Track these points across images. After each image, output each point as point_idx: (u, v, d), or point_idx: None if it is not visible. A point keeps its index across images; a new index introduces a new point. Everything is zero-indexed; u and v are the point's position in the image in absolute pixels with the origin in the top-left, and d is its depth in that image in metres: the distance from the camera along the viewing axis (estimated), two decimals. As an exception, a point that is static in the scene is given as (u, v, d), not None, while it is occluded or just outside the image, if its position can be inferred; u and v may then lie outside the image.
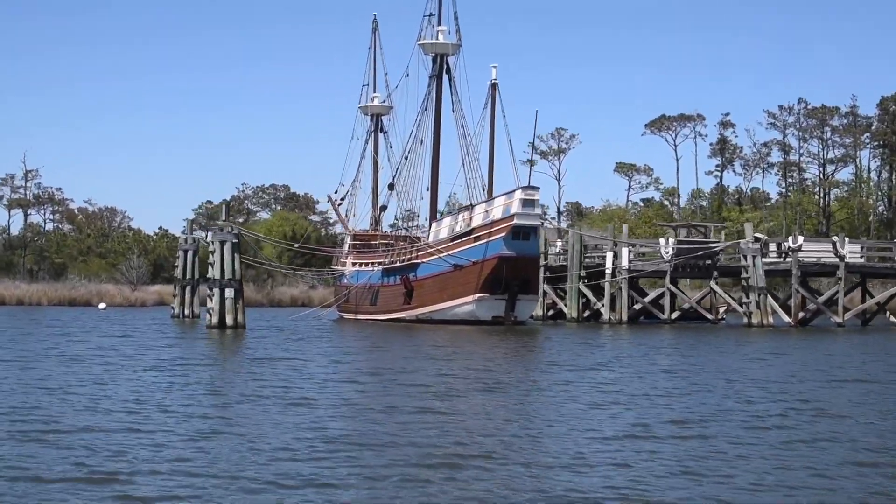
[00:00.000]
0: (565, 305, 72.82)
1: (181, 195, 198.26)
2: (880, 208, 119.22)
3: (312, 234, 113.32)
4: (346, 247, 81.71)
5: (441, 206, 78.88)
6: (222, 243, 55.46)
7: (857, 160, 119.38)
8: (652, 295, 72.69)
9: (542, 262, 70.18)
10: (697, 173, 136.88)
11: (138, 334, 50.34)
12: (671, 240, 70.59)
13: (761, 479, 15.18)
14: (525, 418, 21.17)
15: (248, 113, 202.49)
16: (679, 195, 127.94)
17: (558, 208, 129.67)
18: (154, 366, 32.50)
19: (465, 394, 25.52)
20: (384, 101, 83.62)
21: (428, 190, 74.32)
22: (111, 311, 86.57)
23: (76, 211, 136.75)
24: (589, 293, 71.24)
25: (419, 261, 68.49)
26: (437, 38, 72.85)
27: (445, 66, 73.69)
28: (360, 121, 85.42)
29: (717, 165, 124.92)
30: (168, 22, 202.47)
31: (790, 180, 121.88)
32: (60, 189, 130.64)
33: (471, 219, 66.17)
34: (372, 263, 74.58)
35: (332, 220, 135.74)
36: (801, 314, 67.63)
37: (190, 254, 67.36)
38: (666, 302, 69.62)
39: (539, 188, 66.83)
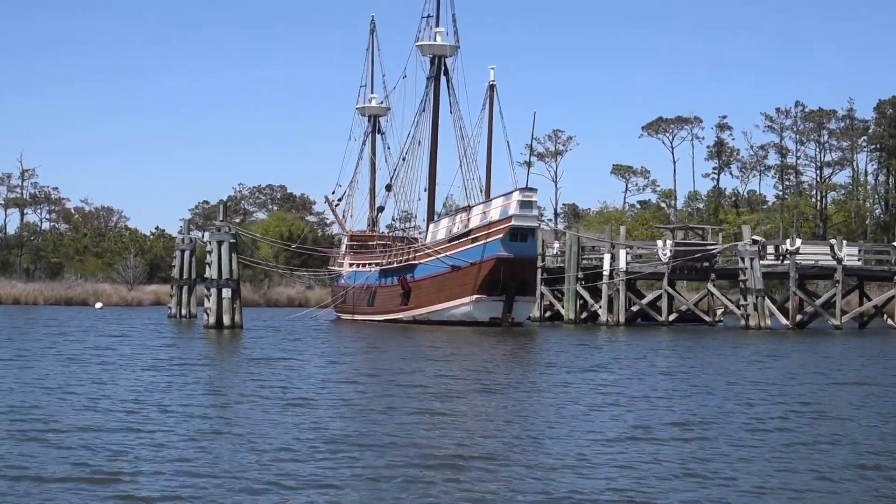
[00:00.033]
0: (562, 307, 72.75)
1: (178, 195, 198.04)
2: (877, 211, 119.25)
3: (309, 234, 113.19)
4: (343, 247, 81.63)
5: (437, 207, 78.72)
6: (220, 243, 55.38)
7: (854, 163, 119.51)
8: (650, 297, 72.61)
9: (539, 263, 70.11)
10: (694, 176, 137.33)
11: (135, 334, 50.24)
12: (669, 242, 70.53)
13: (765, 481, 15.14)
14: (526, 420, 21.13)
15: (245, 113, 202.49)
16: (676, 197, 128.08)
17: (555, 210, 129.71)
18: (152, 366, 32.42)
19: (464, 395, 25.47)
20: (382, 103, 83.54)
21: (425, 191, 74.32)
22: (107, 310, 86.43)
23: (72, 210, 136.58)
24: (586, 295, 71.17)
25: (416, 262, 68.42)
26: (434, 40, 72.77)
27: (443, 68, 73.61)
28: (357, 122, 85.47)
29: (714, 168, 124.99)
30: (166, 22, 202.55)
31: (787, 183, 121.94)
32: (57, 188, 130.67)
33: (468, 220, 66.09)
34: (369, 264, 74.52)
35: (328, 221, 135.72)
36: (798, 317, 67.61)
37: (187, 254, 67.29)
38: (663, 304, 69.56)
39: (537, 190, 66.89)
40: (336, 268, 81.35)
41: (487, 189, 73.69)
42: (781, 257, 68.08)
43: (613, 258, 69.72)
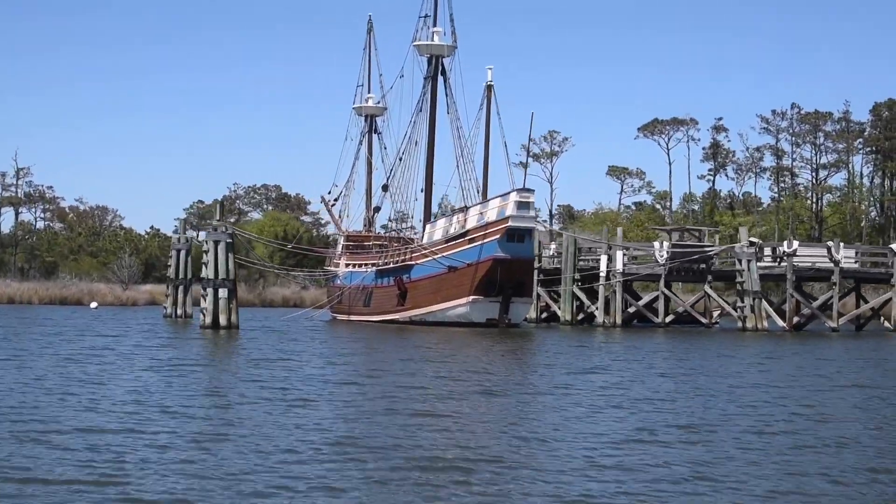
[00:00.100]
0: (559, 308, 72.65)
1: (172, 194, 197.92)
2: (872, 214, 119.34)
3: (304, 234, 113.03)
4: (339, 248, 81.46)
5: (434, 208, 78.62)
6: (216, 243, 55.21)
7: (850, 165, 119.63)
8: (646, 298, 72.54)
9: (536, 264, 69.97)
10: (690, 177, 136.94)
11: (132, 334, 50.06)
12: (665, 243, 70.42)
13: (777, 485, 15.01)
14: (530, 422, 20.99)
15: (240, 113, 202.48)
16: (671, 199, 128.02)
17: (550, 211, 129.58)
18: (151, 366, 32.25)
19: (465, 396, 25.34)
20: (378, 102, 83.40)
21: (422, 191, 74.20)
22: (103, 310, 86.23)
23: (67, 209, 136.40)
24: (583, 296, 71.08)
25: (413, 262, 68.28)
26: (432, 40, 72.66)
27: (440, 68, 73.49)
28: (354, 121, 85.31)
29: (710, 170, 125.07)
30: (161, 23, 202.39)
31: (782, 185, 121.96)
32: (52, 187, 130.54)
33: (465, 220, 65.98)
34: (365, 264, 74.36)
35: (323, 221, 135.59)
36: (795, 319, 67.55)
37: (183, 253, 67.04)
38: (660, 305, 69.44)
39: (534, 190, 66.75)
40: (332, 268, 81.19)
41: (484, 190, 73.66)
42: (778, 259, 68.04)
43: (610, 259, 69.60)
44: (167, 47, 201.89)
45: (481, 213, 65.02)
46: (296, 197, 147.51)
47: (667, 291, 69.67)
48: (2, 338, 45.05)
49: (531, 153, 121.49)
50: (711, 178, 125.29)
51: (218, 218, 58.79)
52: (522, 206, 62.97)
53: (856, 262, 69.67)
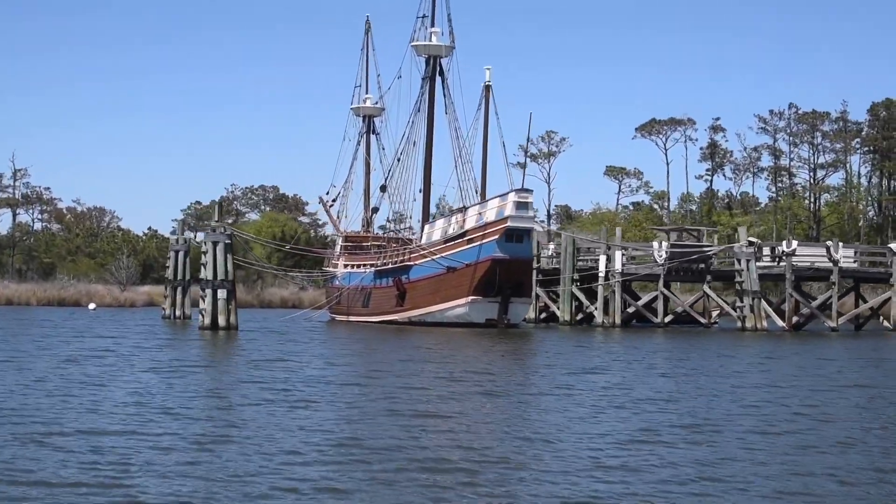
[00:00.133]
0: (558, 308, 72.58)
1: (170, 195, 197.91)
2: (870, 213, 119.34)
3: (302, 235, 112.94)
4: (337, 248, 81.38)
5: (432, 208, 78.57)
6: (215, 244, 55.12)
7: (848, 165, 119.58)
8: (645, 298, 72.49)
9: (534, 264, 69.88)
10: (688, 177, 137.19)
11: (131, 335, 49.95)
12: (664, 243, 70.34)
13: (784, 485, 14.95)
14: (534, 422, 20.92)
15: (238, 113, 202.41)
16: (669, 199, 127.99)
17: (548, 211, 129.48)
18: (151, 367, 32.16)
19: (467, 397, 25.28)
20: (377, 103, 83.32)
21: (420, 192, 74.21)
22: (101, 311, 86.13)
23: (65, 210, 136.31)
24: (582, 296, 71.00)
25: (412, 263, 68.20)
26: (430, 40, 72.65)
27: (438, 68, 73.50)
28: (352, 122, 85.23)
29: (708, 170, 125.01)
30: (160, 23, 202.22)
31: (780, 185, 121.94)
32: (49, 188, 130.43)
33: (464, 221, 65.93)
34: (364, 265, 74.28)
35: (321, 222, 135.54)
36: (794, 318, 67.50)
37: (181, 254, 66.88)
38: (659, 305, 69.38)
39: (533, 191, 66.71)
40: (331, 269, 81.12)
41: (483, 190, 73.61)
42: (777, 259, 68.00)
43: (609, 260, 69.52)
44: (165, 48, 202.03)
45: (480, 214, 64.97)
46: (293, 198, 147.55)
47: (666, 291, 69.61)
48: (1, 339, 44.92)
49: (529, 153, 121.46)
50: (709, 178, 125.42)
51: (216, 219, 58.70)
52: (521, 206, 62.92)
53: (855, 261, 69.67)
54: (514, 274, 62.94)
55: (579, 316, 71.76)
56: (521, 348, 46.07)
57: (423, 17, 72.70)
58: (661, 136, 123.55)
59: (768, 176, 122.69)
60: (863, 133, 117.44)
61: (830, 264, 66.36)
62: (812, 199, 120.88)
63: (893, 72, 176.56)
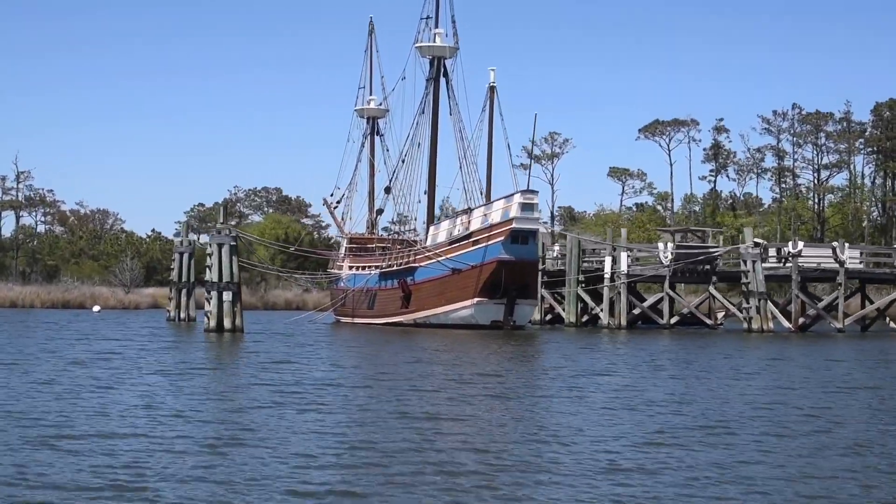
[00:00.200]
0: (563, 310, 72.39)
1: (173, 198, 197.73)
2: (874, 214, 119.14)
3: (306, 237, 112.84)
4: (342, 250, 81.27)
5: (435, 210, 78.41)
6: (220, 246, 54.98)
7: (851, 166, 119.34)
8: (651, 300, 72.29)
9: (539, 266, 69.68)
10: (691, 178, 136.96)
11: (137, 338, 49.81)
12: (670, 244, 70.15)
13: (806, 489, 14.74)
14: (548, 425, 20.75)
15: (241, 115, 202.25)
16: (672, 200, 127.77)
17: (551, 213, 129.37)
18: (159, 370, 32.05)
19: (478, 400, 25.16)
20: (381, 104, 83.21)
21: (425, 193, 74.04)
22: (105, 313, 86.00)
23: (68, 213, 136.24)
24: (587, 298, 70.81)
25: (417, 264, 68.05)
26: (434, 41, 72.51)
27: (443, 69, 73.34)
28: (356, 124, 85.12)
29: (711, 171, 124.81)
30: (162, 25, 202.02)
31: (784, 186, 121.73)
32: (52, 191, 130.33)
33: (469, 222, 65.78)
34: (369, 267, 74.14)
35: (324, 224, 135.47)
36: (801, 319, 67.28)
37: (186, 256, 66.74)
38: (665, 307, 69.21)
39: (538, 192, 66.61)
40: (335, 270, 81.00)
41: (488, 191, 73.44)
42: (784, 260, 67.82)
43: (615, 261, 69.35)
44: (168, 50, 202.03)
45: (485, 215, 64.83)
46: (296, 199, 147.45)
47: (671, 293, 69.44)
48: (7, 342, 44.81)
49: (532, 155, 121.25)
50: (713, 178, 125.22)
51: (222, 220, 58.55)
52: (526, 207, 62.80)
53: (861, 262, 69.49)
54: (519, 275, 62.78)
55: (584, 317, 71.58)
56: (527, 350, 45.93)
57: (427, 18, 72.66)
58: (664, 137, 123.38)
59: (772, 177, 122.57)
60: (866, 133, 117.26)
61: (836, 265, 66.17)
62: (816, 200, 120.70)
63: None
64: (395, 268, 70.13)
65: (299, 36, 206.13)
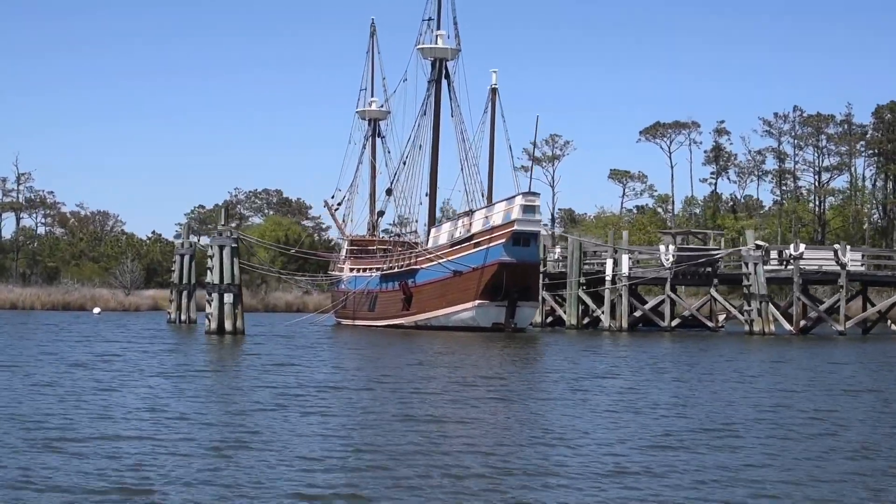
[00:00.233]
0: (564, 312, 72.29)
1: (173, 199, 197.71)
2: (875, 216, 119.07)
3: (307, 239, 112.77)
4: (343, 252, 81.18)
5: (437, 212, 78.34)
6: (221, 248, 54.86)
7: (852, 168, 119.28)
8: (652, 302, 72.19)
9: (541, 268, 69.55)
10: (692, 180, 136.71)
11: (138, 340, 49.75)
12: (671, 247, 70.06)
13: (815, 493, 14.67)
14: (553, 427, 20.66)
15: (241, 117, 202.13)
16: (673, 202, 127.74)
17: (552, 215, 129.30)
18: (161, 372, 31.98)
19: (483, 402, 25.09)
20: (382, 106, 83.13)
21: (426, 195, 73.97)
22: (106, 315, 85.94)
23: (68, 214, 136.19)
24: (588, 300, 70.71)
25: (418, 267, 67.97)
26: (435, 43, 72.43)
27: (444, 71, 73.28)
28: (357, 125, 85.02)
29: (712, 173, 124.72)
30: (163, 25, 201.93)
31: (785, 188, 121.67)
32: (52, 192, 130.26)
33: (471, 224, 65.70)
34: (370, 269, 74.05)
35: (324, 226, 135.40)
36: (802, 322, 67.20)
37: (187, 258, 66.67)
38: (666, 309, 69.13)
39: (539, 194, 66.39)
40: (336, 272, 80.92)
41: (489, 193, 73.33)
42: (785, 262, 67.78)
43: (616, 263, 69.25)
44: (169, 51, 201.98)
45: (487, 217, 64.75)
46: (296, 201, 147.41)
47: (673, 295, 69.36)
48: (8, 344, 44.73)
49: (533, 157, 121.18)
50: (713, 181, 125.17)
51: (223, 222, 58.43)
52: (528, 209, 62.71)
53: (862, 265, 69.44)
54: (521, 278, 62.68)
55: (585, 320, 71.48)
56: (529, 353, 45.85)
57: (429, 19, 72.58)
58: (665, 139, 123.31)
59: (773, 179, 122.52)
60: (867, 136, 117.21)
61: (838, 268, 66.10)
62: (817, 203, 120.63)
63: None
64: (396, 270, 70.05)
65: (300, 37, 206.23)
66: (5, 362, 34.57)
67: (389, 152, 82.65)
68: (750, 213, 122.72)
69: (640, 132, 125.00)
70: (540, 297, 69.95)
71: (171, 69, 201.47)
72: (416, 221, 78.20)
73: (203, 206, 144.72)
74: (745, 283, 65.12)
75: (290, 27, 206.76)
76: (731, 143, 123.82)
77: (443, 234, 68.65)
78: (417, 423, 20.90)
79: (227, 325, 53.84)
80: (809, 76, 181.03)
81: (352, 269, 77.00)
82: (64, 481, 14.85)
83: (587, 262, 72.05)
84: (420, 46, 72.82)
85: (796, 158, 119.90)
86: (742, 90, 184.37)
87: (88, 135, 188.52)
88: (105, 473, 15.42)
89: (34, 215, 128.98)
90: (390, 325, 68.62)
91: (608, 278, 69.13)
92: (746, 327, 64.85)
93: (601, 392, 27.81)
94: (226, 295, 54.28)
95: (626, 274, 68.50)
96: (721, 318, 72.86)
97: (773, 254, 69.59)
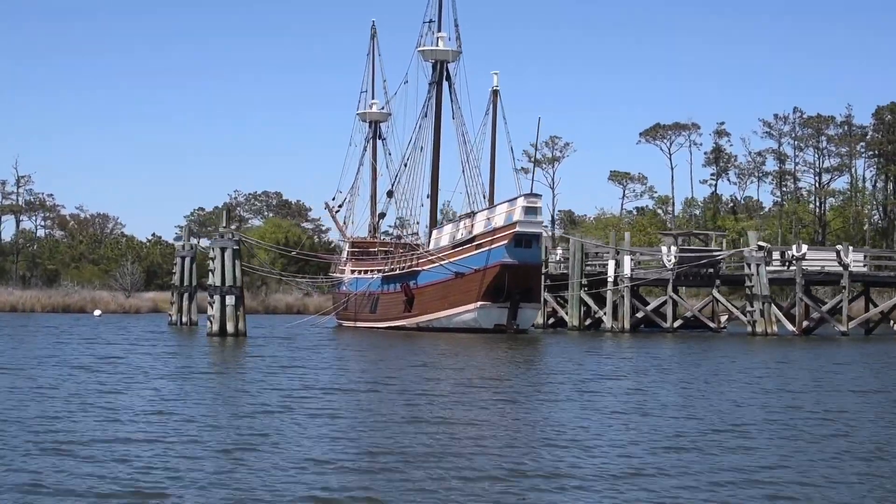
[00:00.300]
0: (566, 314, 72.22)
1: (173, 202, 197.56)
2: (875, 217, 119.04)
3: (307, 241, 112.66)
4: (344, 254, 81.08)
5: (438, 214, 78.18)
6: (223, 250, 54.73)
7: (853, 169, 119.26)
8: (654, 303, 72.11)
9: (543, 269, 69.42)
10: (692, 182, 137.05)
11: (140, 342, 49.61)
12: (673, 248, 69.99)
13: (833, 495, 14.54)
14: (564, 429, 20.53)
15: (241, 119, 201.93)
16: (673, 204, 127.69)
17: (552, 216, 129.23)
18: (165, 374, 31.86)
19: (490, 404, 24.96)
20: (383, 108, 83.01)
21: (428, 197, 73.84)
22: (106, 317, 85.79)
23: (68, 217, 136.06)
24: (590, 301, 70.63)
25: (419, 268, 67.86)
26: (436, 45, 72.33)
27: (445, 73, 73.17)
28: (358, 127, 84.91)
29: (712, 174, 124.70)
30: (164, 29, 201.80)
31: (785, 189, 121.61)
32: (52, 195, 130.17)
33: (472, 226, 65.60)
34: (371, 271, 73.94)
35: (324, 228, 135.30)
36: (805, 323, 67.14)
37: (188, 260, 66.55)
38: (668, 310, 69.05)
39: (541, 195, 66.23)
40: (337, 274, 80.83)
41: (491, 195, 73.16)
42: (787, 263, 67.73)
43: (618, 264, 69.16)
44: (169, 54, 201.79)
45: (488, 219, 64.65)
46: (296, 204, 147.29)
47: (675, 296, 69.29)
48: (10, 347, 44.60)
49: (534, 159, 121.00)
50: (714, 182, 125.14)
51: (224, 224, 58.31)
52: (530, 211, 62.60)
53: (864, 265, 69.40)
54: (522, 279, 62.59)
55: (588, 321, 71.43)
56: (532, 354, 45.73)
57: (430, 21, 72.46)
58: (665, 140, 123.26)
59: (773, 180, 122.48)
60: (868, 137, 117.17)
61: (840, 268, 66.06)
62: (817, 204, 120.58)
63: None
64: (397, 271, 69.95)
65: (301, 39, 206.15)
66: (8, 366, 34.42)
67: (390, 154, 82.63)
68: (750, 215, 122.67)
69: (640, 134, 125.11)
70: (542, 299, 69.80)
71: (171, 71, 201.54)
72: (417, 223, 78.11)
73: (203, 209, 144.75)
74: (748, 284, 65.03)
75: (290, 29, 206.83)
76: (731, 145, 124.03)
77: (444, 236, 68.57)
78: (427, 425, 20.78)
79: (229, 327, 53.71)
80: (809, 77, 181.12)
81: (353, 271, 76.89)
82: (77, 485, 14.72)
83: (589, 263, 71.99)
84: (421, 48, 72.74)
85: (796, 160, 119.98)
86: (742, 91, 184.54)
87: (88, 137, 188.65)
88: (118, 477, 15.29)
89: (34, 218, 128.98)
90: (392, 327, 68.51)
91: (610, 279, 69.04)
92: (749, 328, 64.80)
93: (608, 393, 27.69)
94: (227, 297, 54.16)
95: (628, 275, 68.40)
96: (723, 318, 72.84)
97: (776, 255, 69.53)
